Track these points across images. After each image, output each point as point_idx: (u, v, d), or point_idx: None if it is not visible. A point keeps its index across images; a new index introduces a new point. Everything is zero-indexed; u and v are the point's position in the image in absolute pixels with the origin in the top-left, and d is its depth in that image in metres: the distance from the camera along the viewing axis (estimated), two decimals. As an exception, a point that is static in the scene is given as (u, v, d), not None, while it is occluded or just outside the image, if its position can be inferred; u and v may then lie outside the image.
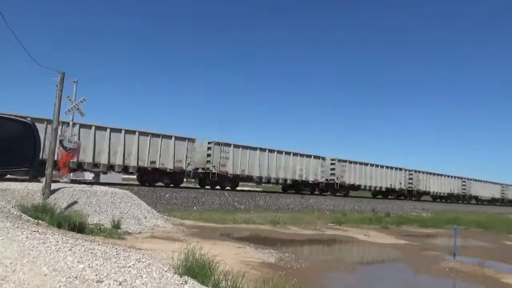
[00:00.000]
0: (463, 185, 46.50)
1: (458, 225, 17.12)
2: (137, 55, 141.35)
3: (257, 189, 31.76)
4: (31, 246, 5.65)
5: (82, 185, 16.85)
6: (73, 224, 10.24)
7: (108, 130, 21.71)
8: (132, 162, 22.51)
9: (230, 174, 26.89)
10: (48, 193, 13.72)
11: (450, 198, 45.18)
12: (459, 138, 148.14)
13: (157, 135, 23.68)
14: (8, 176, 17.94)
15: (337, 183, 32.93)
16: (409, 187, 39.79)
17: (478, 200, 49.85)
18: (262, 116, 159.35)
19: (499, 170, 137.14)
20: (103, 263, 5.35)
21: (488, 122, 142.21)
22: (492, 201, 52.12)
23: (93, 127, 21.19)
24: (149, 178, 24.32)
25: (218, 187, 27.30)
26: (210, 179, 26.29)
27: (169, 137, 24.20)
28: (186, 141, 24.84)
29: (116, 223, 12.77)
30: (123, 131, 22.27)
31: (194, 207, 21.30)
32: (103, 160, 21.49)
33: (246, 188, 30.86)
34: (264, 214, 20.96)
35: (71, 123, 18.98)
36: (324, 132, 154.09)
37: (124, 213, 14.59)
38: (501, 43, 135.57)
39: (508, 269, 12.16)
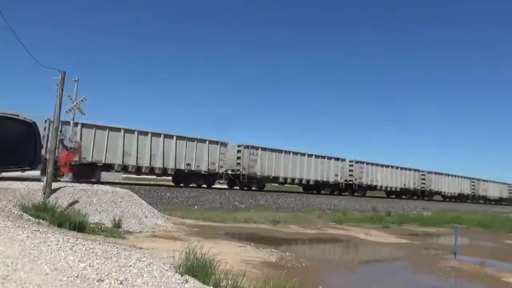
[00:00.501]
0: (472, 185, 47.80)
1: (459, 224, 17.12)
2: (137, 54, 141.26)
3: (281, 190, 32.61)
4: (32, 245, 5.67)
5: (83, 184, 16.87)
6: (74, 224, 10.25)
7: (149, 134, 23.47)
8: (170, 164, 24.09)
9: (259, 176, 28.44)
10: (49, 193, 13.73)
11: (460, 198, 46.23)
12: (468, 138, 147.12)
13: (193, 139, 25.27)
14: (9, 175, 17.94)
15: (355, 184, 34.38)
16: (422, 187, 41.23)
17: (486, 200, 50.61)
18: (263, 116, 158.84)
19: (508, 170, 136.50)
20: (104, 262, 5.36)
21: (499, 122, 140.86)
22: (500, 201, 52.69)
23: (122, 131, 22.48)
24: (185, 179, 25.88)
25: (244, 187, 28.90)
26: (240, 181, 27.99)
27: (204, 141, 25.74)
28: (219, 144, 26.41)
29: (117, 222, 12.77)
30: (162, 136, 23.94)
31: (195, 206, 21.30)
32: (145, 162, 23.23)
33: (270, 189, 31.71)
34: (264, 213, 20.96)
35: (78, 124, 19.29)
36: (334, 133, 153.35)
37: (125, 212, 14.60)
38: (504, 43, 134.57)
39: (509, 268, 12.15)
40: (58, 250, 5.59)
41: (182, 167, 24.62)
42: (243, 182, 28.33)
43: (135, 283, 4.73)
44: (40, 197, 13.08)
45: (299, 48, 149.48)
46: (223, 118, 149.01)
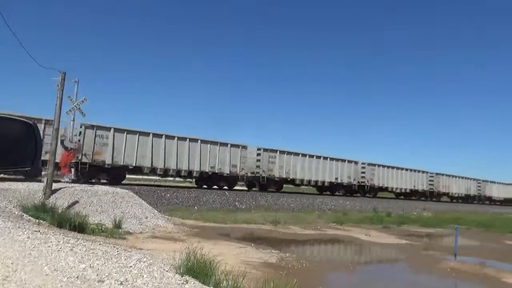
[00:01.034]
0: (478, 186, 48.66)
1: (459, 225, 17.10)
2: (137, 55, 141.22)
3: (297, 191, 33.53)
4: (33, 246, 5.67)
5: (83, 185, 16.88)
6: (74, 224, 10.25)
7: (175, 138, 24.44)
8: (195, 167, 25.15)
9: (277, 178, 29.50)
10: (49, 193, 13.75)
11: (466, 198, 46.99)
12: (474, 139, 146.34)
13: (216, 143, 26.30)
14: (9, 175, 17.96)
15: (367, 185, 35.50)
16: (430, 188, 42.18)
17: (492, 201, 51.25)
18: (260, 117, 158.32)
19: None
20: (104, 263, 5.36)
21: (507, 123, 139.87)
22: (505, 202, 53.12)
23: (150, 135, 23.47)
24: (209, 181, 27.07)
25: (263, 189, 29.90)
26: (260, 182, 29.08)
27: (226, 144, 26.74)
28: (240, 148, 27.43)
29: (117, 223, 12.78)
30: (187, 139, 24.98)
31: (195, 207, 21.30)
32: (172, 165, 24.22)
33: (287, 190, 32.75)
34: (265, 213, 20.95)
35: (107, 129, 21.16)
36: (336, 134, 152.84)
37: (125, 212, 14.60)
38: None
39: (509, 269, 12.13)
40: (59, 250, 5.59)
41: (207, 170, 25.61)
42: (263, 184, 29.22)
43: (135, 283, 4.73)
44: (40, 198, 13.09)
45: (299, 49, 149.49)
46: (222, 118, 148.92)
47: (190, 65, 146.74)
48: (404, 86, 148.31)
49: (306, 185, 32.46)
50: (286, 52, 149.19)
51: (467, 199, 47.07)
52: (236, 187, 28.84)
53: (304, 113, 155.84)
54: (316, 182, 32.37)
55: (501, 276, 10.77)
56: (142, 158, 22.96)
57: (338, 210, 27.11)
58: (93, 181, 21.73)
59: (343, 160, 34.39)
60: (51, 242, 6.08)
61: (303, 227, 18.55)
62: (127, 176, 26.36)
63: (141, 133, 23.03)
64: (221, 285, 5.77)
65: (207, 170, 25.62)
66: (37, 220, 10.11)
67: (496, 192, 51.82)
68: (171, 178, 29.84)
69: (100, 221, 12.88)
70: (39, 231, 7.56)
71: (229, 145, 26.79)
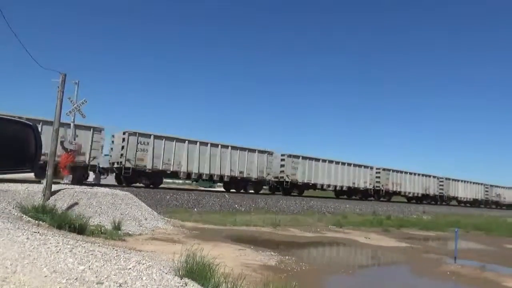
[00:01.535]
0: (486, 190, 49.85)
1: (458, 229, 17.08)
2: (137, 56, 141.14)
3: (317, 195, 33.87)
4: (32, 247, 5.66)
5: (83, 187, 16.87)
6: (74, 226, 10.24)
7: (208, 144, 25.90)
8: (226, 172, 26.48)
9: (300, 182, 30.71)
10: (49, 194, 13.74)
11: (474, 203, 48.14)
12: (481, 143, 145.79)
13: (244, 149, 27.65)
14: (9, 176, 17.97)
15: (382, 190, 36.65)
16: (440, 192, 43.26)
17: (498, 205, 52.34)
18: (256, 119, 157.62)
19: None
20: (104, 265, 5.35)
21: None
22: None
23: (186, 142, 24.91)
24: (238, 185, 28.26)
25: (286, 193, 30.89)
26: (284, 187, 30.17)
27: (254, 150, 28.17)
28: (266, 154, 28.82)
29: (116, 224, 12.76)
30: (219, 146, 26.41)
31: (195, 209, 21.28)
32: (206, 170, 25.58)
33: (309, 195, 33.20)
34: (264, 216, 20.93)
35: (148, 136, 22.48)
36: (334, 135, 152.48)
37: (124, 214, 14.60)
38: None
39: (509, 273, 12.12)
40: (58, 252, 5.58)
41: (236, 175, 26.90)
42: (286, 188, 30.24)
43: (134, 286, 4.72)
44: (40, 199, 13.08)
45: (299, 50, 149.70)
46: (223, 120, 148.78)
47: (190, 66, 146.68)
48: (413, 88, 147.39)
49: (325, 189, 33.61)
50: (285, 54, 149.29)
51: (474, 203, 48.34)
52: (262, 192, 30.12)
53: (311, 115, 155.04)
54: (335, 186, 33.50)
55: (501, 280, 10.75)
56: (179, 163, 24.26)
57: (338, 213, 27.09)
58: (136, 184, 23.54)
59: (360, 166, 35.43)
60: (50, 243, 6.07)
61: (303, 230, 18.53)
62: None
63: (178, 140, 24.36)
64: (220, 287, 5.76)
65: (236, 175, 26.93)
66: (37, 221, 10.10)
67: (503, 196, 53.26)
68: (180, 181, 31.62)
69: (100, 222, 12.87)
70: (38, 232, 7.54)
71: (256, 151, 28.21)
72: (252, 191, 28.90)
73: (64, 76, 14.66)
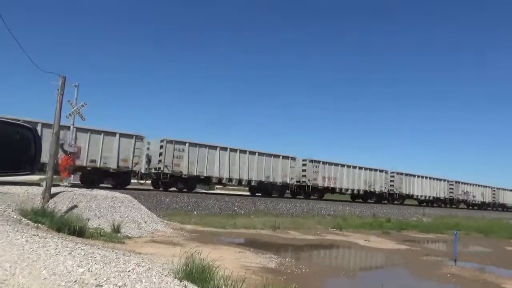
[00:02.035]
0: (493, 193, 50.74)
1: (458, 231, 17.08)
2: (137, 59, 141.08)
3: (335, 199, 34.89)
4: (31, 249, 5.65)
5: (82, 189, 16.85)
6: (73, 228, 10.23)
7: (238, 151, 27.31)
8: (253, 177, 27.98)
9: (320, 186, 31.74)
10: (48, 197, 13.71)
11: (482, 205, 48.83)
12: (488, 146, 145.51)
13: (270, 155, 29.09)
14: (9, 179, 17.94)
15: (396, 193, 37.71)
16: (450, 196, 43.95)
17: (505, 207, 53.07)
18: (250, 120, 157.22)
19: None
20: (103, 267, 5.34)
21: None
22: None
23: (218, 148, 26.29)
24: (263, 190, 29.57)
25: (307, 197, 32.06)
26: (306, 191, 31.16)
27: (278, 156, 29.55)
28: (289, 159, 30.02)
29: (116, 227, 12.75)
30: (247, 152, 27.77)
31: (194, 212, 21.25)
32: (235, 175, 26.96)
33: (330, 198, 34.36)
34: (264, 218, 20.89)
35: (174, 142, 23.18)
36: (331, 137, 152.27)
37: (124, 217, 14.57)
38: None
39: (509, 275, 12.10)
40: (57, 254, 5.57)
41: (263, 179, 28.34)
42: (308, 192, 31.25)
43: (133, 288, 4.71)
44: (39, 202, 13.07)
45: (299, 54, 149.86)
46: (211, 121, 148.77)
47: (189, 68, 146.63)
48: (422, 91, 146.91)
49: (344, 193, 34.66)
50: (284, 56, 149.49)
51: (482, 205, 49.00)
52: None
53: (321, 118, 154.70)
54: (353, 190, 34.45)
55: (501, 282, 10.74)
56: (211, 169, 25.67)
57: (338, 216, 27.04)
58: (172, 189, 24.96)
59: (375, 170, 36.48)
60: (49, 246, 6.06)
61: (303, 232, 18.50)
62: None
63: (210, 147, 25.84)
64: (220, 290, 5.74)
65: (263, 180, 28.33)
66: (36, 224, 10.08)
67: (509, 199, 54.07)
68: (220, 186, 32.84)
69: (99, 225, 12.85)
70: (37, 235, 7.53)
71: (280, 156, 29.55)
72: (276, 195, 30.09)
73: (64, 79, 14.67)
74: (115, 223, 12.96)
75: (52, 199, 13.82)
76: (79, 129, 19.65)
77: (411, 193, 39.53)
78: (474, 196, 47.36)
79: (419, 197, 40.66)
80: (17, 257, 5.06)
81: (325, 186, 32.09)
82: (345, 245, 16.22)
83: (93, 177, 21.33)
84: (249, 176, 27.51)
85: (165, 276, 5.67)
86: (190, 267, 5.98)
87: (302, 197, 31.46)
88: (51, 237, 7.79)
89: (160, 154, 23.91)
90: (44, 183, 14.14)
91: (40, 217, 10.76)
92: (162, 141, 23.99)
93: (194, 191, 26.64)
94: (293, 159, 30.31)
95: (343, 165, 33.70)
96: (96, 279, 4.75)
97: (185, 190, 25.22)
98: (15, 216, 10.69)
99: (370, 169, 35.98)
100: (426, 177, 41.36)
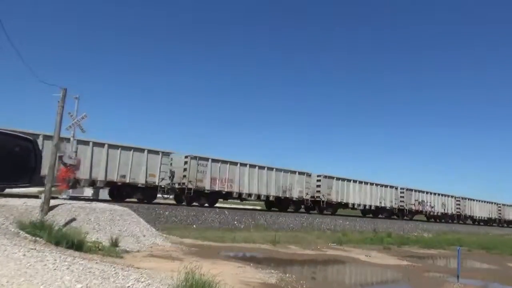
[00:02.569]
0: (499, 210, 51.36)
1: (460, 247, 16.91)
2: (138, 68, 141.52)
3: (346, 214, 35.56)
4: (28, 264, 5.55)
5: (81, 202, 16.73)
6: (72, 242, 10.09)
7: (256, 167, 27.83)
8: (272, 192, 28.46)
9: (334, 202, 32.51)
10: (47, 210, 13.59)
11: (488, 221, 49.61)
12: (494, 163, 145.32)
13: (287, 171, 29.66)
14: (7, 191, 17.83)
15: (406, 209, 38.48)
16: (457, 212, 44.58)
17: (510, 224, 53.37)
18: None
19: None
20: (102, 283, 5.24)
21: None
22: None
23: (238, 164, 26.92)
24: (281, 205, 30.26)
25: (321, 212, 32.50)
26: (320, 206, 31.83)
27: (294, 172, 30.12)
28: (305, 175, 30.69)
29: (114, 241, 12.59)
30: (265, 168, 28.47)
31: (194, 225, 21.06)
32: (254, 190, 27.52)
33: (341, 213, 34.85)
34: (264, 233, 20.71)
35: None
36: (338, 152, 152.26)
37: (122, 230, 14.41)
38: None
39: (513, 292, 11.92)
40: (55, 269, 5.47)
41: (280, 194, 28.86)
42: (322, 207, 31.77)
43: (132, 304, 4.61)
44: (37, 214, 12.94)
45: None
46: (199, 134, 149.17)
47: (188, 74, 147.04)
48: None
49: (356, 208, 35.30)
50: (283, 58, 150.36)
51: (489, 221, 49.78)
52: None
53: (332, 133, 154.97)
54: (364, 206, 35.06)
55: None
56: (231, 184, 26.20)
57: (338, 230, 26.83)
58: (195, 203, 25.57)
59: (386, 186, 37.13)
60: (47, 260, 5.96)
61: (303, 247, 18.31)
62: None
63: (231, 163, 26.44)
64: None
65: (280, 195, 28.83)
66: (34, 238, 9.95)
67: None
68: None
69: (97, 239, 12.70)
70: (35, 248, 7.42)
71: (297, 172, 30.17)
72: (292, 210, 30.94)
73: (65, 91, 14.70)
74: (113, 237, 12.80)
75: (51, 211, 13.70)
76: (111, 146, 21.15)
77: (420, 209, 40.18)
78: (481, 212, 48.09)
79: (427, 213, 41.29)
80: (14, 272, 4.97)
81: (338, 201, 32.78)
82: (346, 261, 16.03)
83: (122, 192, 22.34)
84: (267, 191, 28.23)
85: (165, 292, 5.56)
86: (190, 282, 5.87)
87: (316, 211, 32.14)
88: (49, 251, 7.68)
89: (184, 169, 24.70)
90: (42, 196, 14.03)
91: (39, 230, 10.63)
92: (186, 157, 24.96)
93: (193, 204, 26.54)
94: (308, 175, 31.00)
95: (355, 181, 34.42)
96: (94, 295, 4.65)
97: (206, 205, 25.93)
98: (13, 229, 10.57)
99: (381, 185, 36.66)
100: (434, 193, 42.01)
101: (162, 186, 23.32)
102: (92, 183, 21.01)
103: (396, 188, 38.24)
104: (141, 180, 22.24)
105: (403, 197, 38.44)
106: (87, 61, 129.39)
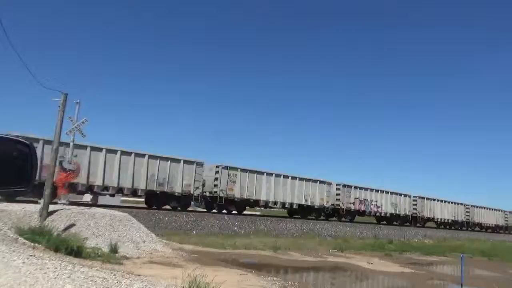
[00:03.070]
0: (505, 217, 52.49)
1: (463, 254, 16.75)
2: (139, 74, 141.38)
3: (361, 221, 35.97)
4: (28, 272, 5.40)
5: (80, 207, 16.55)
6: (71, 248, 9.93)
7: (282, 176, 29.10)
8: (295, 200, 29.68)
9: (353, 209, 33.62)
10: (46, 215, 13.42)
11: (495, 228, 50.51)
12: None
13: (309, 180, 30.80)
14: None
15: (419, 216, 39.56)
16: (466, 219, 45.63)
17: None
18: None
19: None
20: (103, 292, 5.10)
21: None
22: None
23: (264, 173, 28.11)
24: (301, 212, 31.76)
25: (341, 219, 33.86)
26: (340, 214, 33.03)
27: (316, 181, 31.43)
28: (325, 184, 32.12)
29: (113, 247, 12.42)
30: (289, 177, 29.60)
31: (194, 231, 20.88)
32: (280, 198, 28.76)
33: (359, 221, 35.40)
34: (264, 239, 20.52)
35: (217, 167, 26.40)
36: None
37: (122, 236, 14.23)
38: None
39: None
40: (56, 278, 5.32)
41: (302, 202, 30.17)
42: (342, 215, 33.10)
43: (136, 315, 4.46)
44: (36, 220, 12.77)
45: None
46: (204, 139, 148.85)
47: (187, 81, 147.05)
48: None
49: (372, 215, 36.64)
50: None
51: (495, 228, 50.68)
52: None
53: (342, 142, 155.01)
54: (381, 213, 36.39)
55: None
56: (259, 193, 27.50)
57: (339, 237, 26.65)
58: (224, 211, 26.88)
59: (400, 194, 38.47)
60: (47, 268, 5.81)
61: (304, 254, 18.13)
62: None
63: (258, 172, 27.73)
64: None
65: (303, 203, 30.10)
66: (33, 244, 9.78)
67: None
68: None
69: (97, 244, 12.53)
70: (34, 255, 7.27)
71: (318, 181, 31.56)
72: (314, 217, 31.85)
73: (66, 96, 14.60)
74: (112, 243, 12.64)
75: (50, 217, 13.52)
76: (151, 156, 22.75)
77: (432, 216, 41.09)
78: (488, 219, 48.96)
79: (438, 220, 42.15)
80: (13, 280, 4.83)
81: (357, 209, 33.83)
82: (347, 268, 15.85)
83: (159, 200, 23.75)
84: (291, 199, 29.35)
85: (168, 301, 5.42)
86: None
87: (335, 219, 33.24)
88: (49, 257, 7.52)
89: (216, 179, 25.79)
90: (41, 201, 13.86)
91: (37, 236, 10.46)
92: (217, 167, 26.09)
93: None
94: (328, 184, 32.34)
95: (372, 190, 35.63)
96: (96, 305, 4.51)
97: (234, 212, 27.16)
98: (11, 235, 10.39)
99: (396, 193, 37.93)
100: (445, 201, 42.88)
101: (196, 195, 24.63)
102: (120, 190, 22.16)
103: (410, 196, 39.44)
104: (177, 189, 23.60)
105: (415, 204, 39.44)
106: (99, 67, 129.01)
